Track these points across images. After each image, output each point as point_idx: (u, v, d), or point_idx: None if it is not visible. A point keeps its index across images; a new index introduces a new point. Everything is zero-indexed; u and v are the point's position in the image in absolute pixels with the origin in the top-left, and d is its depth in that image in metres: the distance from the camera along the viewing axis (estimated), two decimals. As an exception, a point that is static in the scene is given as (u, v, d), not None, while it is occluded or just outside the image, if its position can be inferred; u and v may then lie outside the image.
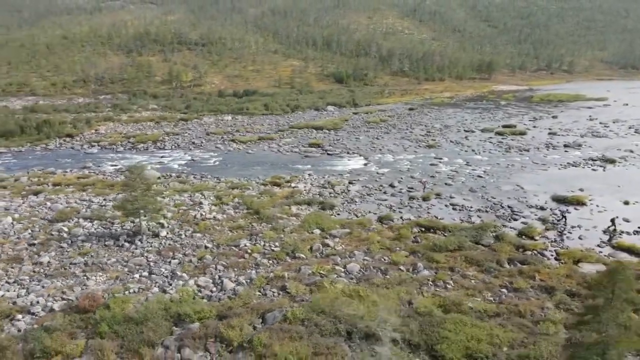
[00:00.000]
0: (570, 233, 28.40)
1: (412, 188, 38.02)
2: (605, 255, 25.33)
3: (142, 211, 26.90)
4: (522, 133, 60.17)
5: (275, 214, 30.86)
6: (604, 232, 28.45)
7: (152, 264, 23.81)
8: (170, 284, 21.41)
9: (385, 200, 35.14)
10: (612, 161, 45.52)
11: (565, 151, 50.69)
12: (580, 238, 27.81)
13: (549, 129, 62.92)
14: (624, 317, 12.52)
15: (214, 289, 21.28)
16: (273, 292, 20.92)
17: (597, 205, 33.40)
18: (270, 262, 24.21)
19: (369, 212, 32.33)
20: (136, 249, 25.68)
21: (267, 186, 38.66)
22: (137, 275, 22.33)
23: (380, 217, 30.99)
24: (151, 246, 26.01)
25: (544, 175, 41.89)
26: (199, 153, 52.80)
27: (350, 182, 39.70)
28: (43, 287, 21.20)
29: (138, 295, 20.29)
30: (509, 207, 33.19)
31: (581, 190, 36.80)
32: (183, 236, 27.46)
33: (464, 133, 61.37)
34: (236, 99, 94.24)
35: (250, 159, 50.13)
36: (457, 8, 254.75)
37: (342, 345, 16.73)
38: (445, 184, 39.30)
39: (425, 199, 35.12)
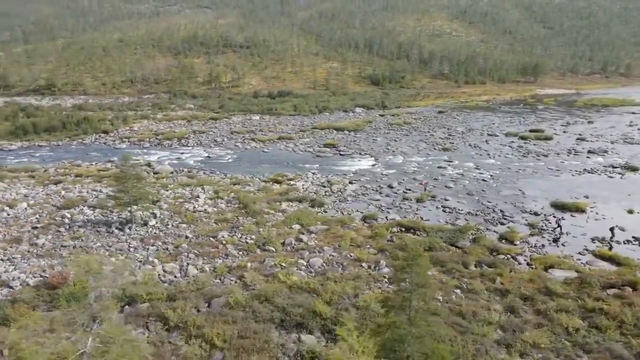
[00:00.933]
0: (565, 240, 27.56)
1: (409, 189, 37.98)
2: (582, 263, 24.54)
3: (134, 201, 28.85)
4: (548, 138, 58.04)
5: (263, 209, 32.01)
6: (601, 241, 27.32)
7: (131, 249, 25.62)
8: (140, 268, 23.00)
9: (378, 200, 35.41)
10: (634, 169, 43.17)
11: (587, 157, 48.52)
12: (563, 245, 27.00)
13: (579, 134, 60.21)
14: (422, 302, 12.86)
15: (178, 274, 22.69)
16: (231, 280, 22.05)
17: (597, 213, 32.09)
18: (241, 253, 25.35)
19: (357, 211, 32.76)
20: (123, 235, 27.65)
21: (269, 183, 39.94)
22: (113, 259, 24.15)
23: (365, 216, 31.37)
24: (137, 234, 27.89)
25: (554, 181, 40.49)
26: (217, 150, 55.01)
27: (350, 182, 40.22)
28: (29, 265, 23.48)
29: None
30: (501, 211, 32.55)
31: (586, 197, 35.40)
32: (170, 226, 29.20)
33: (486, 137, 60.00)
34: (269, 99, 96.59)
35: (264, 157, 51.66)
36: (511, 8, 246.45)
37: (271, 331, 17.55)
38: (446, 186, 38.95)
39: (419, 200, 35.06)
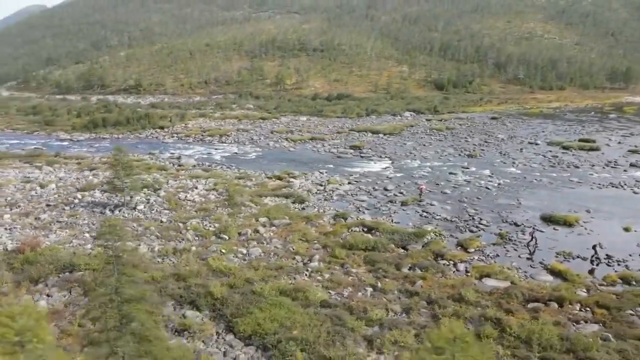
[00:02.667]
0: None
1: (401, 193, 37.87)
2: (526, 276, 23.45)
3: (126, 188, 32.56)
4: (594, 149, 53.52)
5: (244, 202, 34.13)
6: (581, 258, 25.58)
7: (108, 228, 29.00)
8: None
9: (363, 201, 35.85)
10: (670, 185, 38.81)
11: (624, 170, 44.33)
12: (519, 257, 25.77)
13: (635, 146, 54.59)
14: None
15: (130, 251, 25.47)
16: (170, 260, 24.38)
17: (585, 229, 29.87)
18: (197, 238, 27.66)
19: (334, 209, 33.61)
20: (110, 216, 31.28)
21: (271, 179, 42.00)
22: (87, 235, 27.71)
23: (336, 215, 32.19)
24: (122, 215, 31.40)
25: (565, 193, 37.84)
26: (247, 148, 58.29)
27: (349, 182, 40.97)
28: (20, 234, 27.77)
29: (71, 248, 25.48)
30: (480, 219, 31.48)
31: (587, 211, 32.90)
32: (154, 211, 32.41)
33: (525, 145, 56.83)
34: (325, 101, 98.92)
35: (287, 156, 53.84)
36: (619, 8, 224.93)
37: (165, 306, 19.52)
38: (442, 192, 38.19)
39: (403, 203, 35.01)
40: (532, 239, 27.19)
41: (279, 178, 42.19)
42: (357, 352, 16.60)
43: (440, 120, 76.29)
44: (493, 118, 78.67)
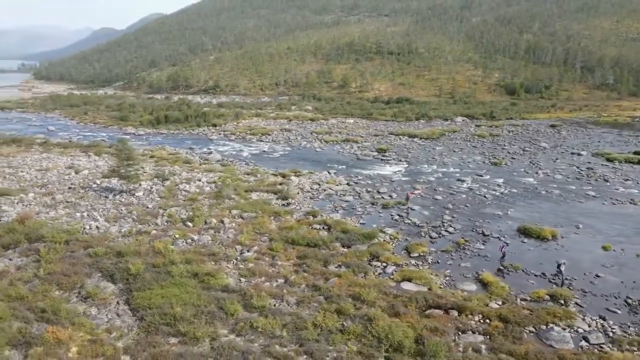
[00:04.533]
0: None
1: (391, 196, 37.74)
2: (449, 282, 22.91)
3: (130, 175, 36.55)
4: (643, 162, 48.13)
5: (230, 195, 36.46)
6: (526, 272, 24.29)
7: (100, 210, 32.94)
8: (81, 221, 30.04)
9: (347, 201, 36.39)
10: (703, 206, 34.16)
11: (661, 187, 39.61)
12: (460, 265, 25.01)
13: (698, 161, 48.12)
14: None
15: (103, 229, 28.94)
16: (126, 240, 27.32)
17: (559, 244, 27.92)
18: (166, 224, 30.45)
19: (312, 207, 34.68)
20: (110, 200, 35.32)
21: (276, 176, 43.94)
22: (78, 214, 31.78)
23: (307, 212, 33.28)
24: (120, 200, 35.31)
25: (568, 206, 35.10)
26: (278, 147, 60.77)
27: (347, 184, 41.58)
28: (27, 209, 32.61)
29: (58, 224, 29.51)
30: (449, 226, 30.65)
31: (577, 226, 30.49)
32: (148, 198, 35.94)
33: (566, 155, 52.65)
34: (382, 104, 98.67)
35: (310, 155, 55.39)
36: None
37: (92, 275, 22.31)
38: (434, 198, 37.38)
39: (384, 206, 35.02)
40: (503, 255, 25.84)
41: (283, 175, 43.95)
42: (218, 331, 17.91)
43: (491, 127, 72.75)
44: (552, 126, 73.15)
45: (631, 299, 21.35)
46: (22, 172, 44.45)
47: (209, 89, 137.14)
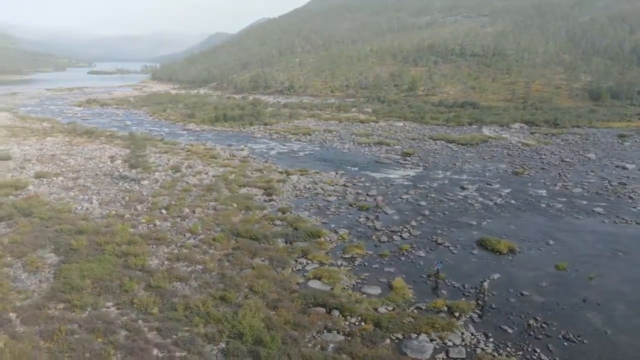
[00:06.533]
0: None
1: (375, 199, 37.50)
2: (358, 283, 22.95)
3: (140, 165, 40.71)
4: (697, 180, 41.84)
5: (221, 188, 38.90)
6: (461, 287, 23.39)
7: (102, 194, 37.19)
8: (76, 203, 34.36)
9: (328, 202, 36.94)
10: None
11: (692, 209, 34.43)
12: (385, 270, 24.71)
13: None
14: None
15: (90, 211, 32.86)
16: (102, 220, 30.85)
17: (510, 258, 26.24)
18: (146, 210, 33.63)
19: (289, 204, 35.88)
20: (119, 186, 39.59)
21: (281, 174, 45.63)
22: (81, 197, 36.27)
23: (279, 209, 34.58)
24: (125, 187, 39.43)
25: (559, 222, 32.37)
26: (309, 146, 62.27)
27: (343, 184, 42.00)
28: (47, 188, 37.88)
29: (58, 203, 34.09)
30: (409, 232, 30.08)
31: (548, 243, 28.14)
32: (150, 187, 39.66)
33: (607, 168, 47.50)
34: (444, 108, 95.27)
35: (333, 156, 56.13)
36: None
37: (43, 249, 25.85)
38: (418, 204, 36.45)
39: (361, 208, 35.13)
40: (436, 272, 25.00)
41: (287, 174, 45.47)
42: (100, 303, 20.13)
43: (546, 135, 67.27)
44: (621, 135, 65.57)
45: (538, 320, 19.73)
46: (72, 159, 51.08)
47: (284, 90, 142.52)
